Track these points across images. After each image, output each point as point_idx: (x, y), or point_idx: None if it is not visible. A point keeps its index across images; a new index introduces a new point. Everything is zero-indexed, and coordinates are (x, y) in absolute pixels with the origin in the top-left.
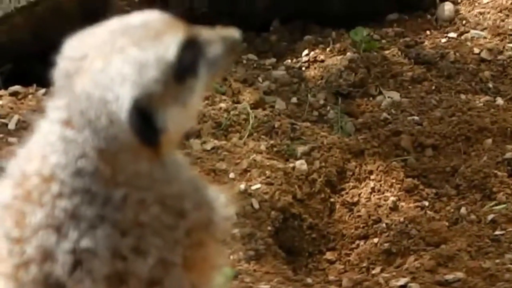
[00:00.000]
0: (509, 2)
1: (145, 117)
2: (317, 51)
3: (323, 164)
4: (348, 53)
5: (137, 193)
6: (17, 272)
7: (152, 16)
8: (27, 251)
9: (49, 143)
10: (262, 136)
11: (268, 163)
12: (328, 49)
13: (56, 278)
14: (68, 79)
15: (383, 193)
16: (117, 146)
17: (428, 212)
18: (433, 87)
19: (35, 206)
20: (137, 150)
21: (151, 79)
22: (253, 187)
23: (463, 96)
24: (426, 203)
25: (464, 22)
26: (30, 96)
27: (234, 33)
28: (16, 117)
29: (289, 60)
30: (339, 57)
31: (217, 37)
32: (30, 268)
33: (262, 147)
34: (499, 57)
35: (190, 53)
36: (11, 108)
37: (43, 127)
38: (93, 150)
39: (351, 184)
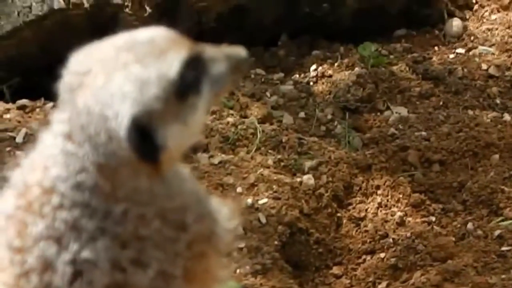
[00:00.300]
0: None
1: (144, 134)
2: (325, 66)
3: (330, 179)
4: (356, 68)
5: (137, 208)
6: (18, 282)
7: (157, 33)
8: (28, 261)
9: (51, 155)
10: (270, 151)
11: (275, 178)
12: (336, 64)
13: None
14: (71, 93)
15: (390, 208)
16: (116, 162)
17: (435, 227)
18: (441, 103)
19: (36, 217)
20: (136, 166)
21: (151, 97)
22: (260, 202)
23: (470, 112)
24: (433, 219)
25: (472, 38)
26: (38, 110)
27: (240, 51)
28: (23, 130)
29: (297, 75)
30: (347, 72)
31: (222, 55)
32: (31, 278)
33: (270, 162)
34: (507, 73)
35: (193, 70)
36: (19, 122)
37: (46, 139)
38: (93, 164)
39: (358, 199)
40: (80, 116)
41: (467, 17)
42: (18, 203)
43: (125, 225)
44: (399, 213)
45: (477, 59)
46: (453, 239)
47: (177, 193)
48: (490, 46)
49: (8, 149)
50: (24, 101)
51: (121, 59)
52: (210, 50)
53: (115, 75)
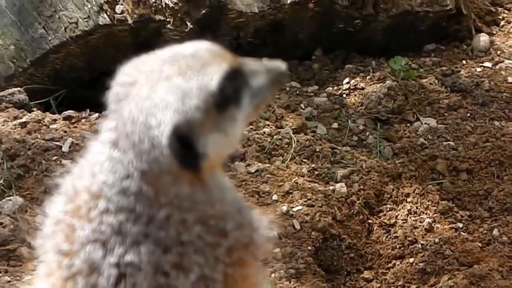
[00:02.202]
0: None
1: (185, 143)
2: (357, 79)
3: (362, 187)
4: (387, 81)
5: (179, 214)
6: (65, 285)
7: (200, 46)
8: (75, 264)
9: (98, 162)
10: (304, 160)
11: (309, 186)
12: (368, 77)
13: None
14: (118, 103)
15: (419, 215)
16: (159, 168)
17: (462, 233)
18: (468, 114)
19: (83, 221)
20: (178, 173)
21: (192, 107)
22: (295, 209)
23: (496, 123)
24: (460, 225)
25: (498, 52)
26: (83, 120)
27: (279, 65)
28: (69, 140)
29: (331, 88)
30: (378, 85)
31: (263, 68)
32: (78, 281)
33: (304, 170)
34: None
35: (234, 83)
36: (65, 132)
37: (94, 146)
38: (137, 171)
39: (389, 206)
40: (125, 124)
41: (494, 32)
42: (66, 208)
43: (167, 230)
44: (427, 220)
45: (503, 73)
46: (480, 244)
47: (218, 201)
48: None
49: (54, 158)
50: (70, 112)
51: (165, 72)
52: (250, 64)
53: (159, 86)
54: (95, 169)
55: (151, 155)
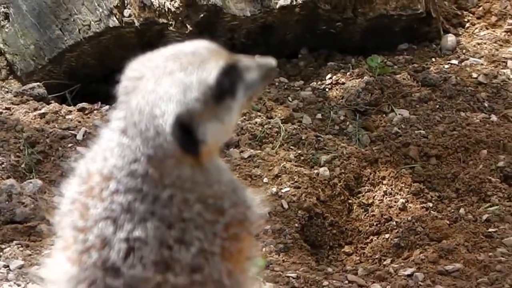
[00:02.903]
0: (503, 34)
1: (187, 131)
2: (338, 75)
3: (342, 170)
4: (365, 77)
5: (181, 194)
6: (81, 258)
7: (200, 45)
8: (89, 239)
9: (109, 147)
10: (291, 147)
11: (296, 170)
12: (348, 73)
13: (112, 263)
14: (127, 95)
15: (393, 195)
16: (163, 153)
17: (432, 212)
18: (437, 106)
19: (96, 200)
20: (180, 157)
21: (193, 99)
22: (283, 190)
23: (462, 114)
24: (430, 205)
25: (464, 51)
26: (95, 112)
27: (270, 61)
28: (83, 129)
29: (315, 83)
30: (357, 80)
31: (255, 64)
32: (91, 254)
33: (291, 156)
34: (494, 80)
35: (230, 77)
36: (79, 122)
37: (105, 134)
38: (143, 156)
39: (367, 188)
40: (133, 114)
41: (460, 33)
42: (81, 189)
43: (171, 209)
44: (401, 200)
45: (468, 69)
46: (448, 222)
47: (216, 182)
48: (479, 58)
49: (70, 145)
50: (83, 104)
51: (168, 67)
52: (244, 60)
53: (163, 80)
54: (106, 154)
55: (156, 141)
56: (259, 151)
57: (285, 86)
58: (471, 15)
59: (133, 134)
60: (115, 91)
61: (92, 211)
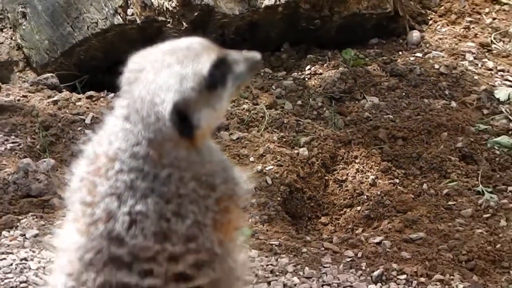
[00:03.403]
0: (461, 30)
1: (183, 117)
2: (316, 66)
3: (320, 151)
4: (340, 68)
5: (178, 173)
6: (88, 229)
7: (194, 41)
8: (96, 213)
9: (114, 132)
10: (275, 130)
11: (278, 150)
12: (325, 65)
13: (117, 234)
14: (129, 85)
15: (365, 173)
16: (162, 137)
17: (398, 187)
18: (404, 94)
19: (103, 179)
20: (177, 140)
21: (188, 88)
22: (267, 168)
23: (426, 100)
24: (397, 181)
25: (427, 45)
26: (101, 99)
27: (256, 55)
28: (91, 114)
29: (296, 73)
30: (333, 71)
31: (242, 57)
32: (98, 226)
33: (275, 138)
34: (454, 71)
35: (221, 69)
36: (87, 108)
37: (110, 120)
38: (144, 139)
39: (341, 166)
40: (136, 102)
41: (424, 29)
42: (89, 169)
43: (169, 186)
44: (371, 177)
45: (431, 61)
46: (412, 196)
47: (208, 161)
48: (441, 51)
49: (79, 128)
50: (91, 92)
51: (166, 61)
52: (233, 54)
53: (162, 72)
54: (111, 138)
55: (156, 126)
56: (246, 134)
57: (270, 76)
58: (433, 13)
59: (135, 120)
60: (119, 81)
61: (99, 188)
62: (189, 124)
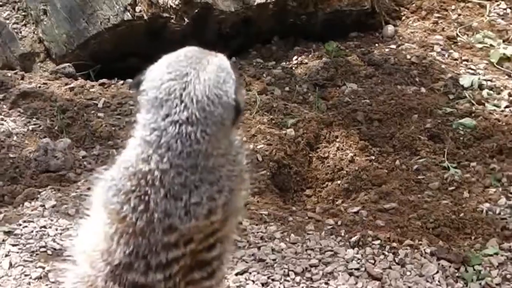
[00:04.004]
0: (430, 25)
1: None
2: (303, 56)
3: (305, 131)
4: (324, 58)
5: (220, 159)
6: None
7: (192, 48)
8: (155, 216)
9: (160, 141)
10: (265, 113)
11: (268, 131)
12: (310, 55)
13: (170, 224)
14: (177, 91)
15: (344, 150)
16: (220, 128)
17: (374, 163)
18: (379, 81)
19: (158, 185)
20: (228, 129)
21: (235, 80)
22: (258, 147)
23: (399, 87)
24: (373, 157)
25: (400, 38)
26: (112, 86)
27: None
28: (103, 99)
29: (284, 63)
30: (317, 61)
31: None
32: (155, 225)
33: (265, 120)
34: (423, 61)
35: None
36: (100, 93)
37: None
38: (203, 136)
39: (324, 144)
40: (198, 102)
41: (397, 24)
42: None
43: (214, 172)
44: (350, 154)
45: (404, 52)
46: (386, 171)
47: (234, 146)
48: (412, 43)
49: (92, 112)
50: (103, 80)
51: (204, 61)
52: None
53: (209, 71)
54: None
55: (217, 118)
56: None
57: (261, 66)
58: (406, 10)
59: (195, 119)
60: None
61: (153, 196)
62: (237, 110)
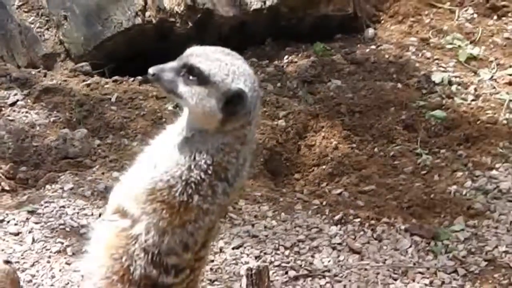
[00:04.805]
0: (406, 28)
1: None
2: (293, 56)
3: (294, 122)
4: (311, 57)
5: (244, 147)
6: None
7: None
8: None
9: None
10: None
11: (262, 122)
12: (299, 55)
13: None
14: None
15: (329, 139)
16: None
17: (356, 150)
18: (361, 77)
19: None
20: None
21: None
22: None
23: (378, 83)
24: (355, 145)
25: (380, 39)
26: (124, 82)
27: None
28: (116, 94)
29: (276, 62)
30: (306, 60)
31: None
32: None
33: (259, 112)
34: (400, 60)
35: None
36: (113, 89)
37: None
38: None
39: (311, 134)
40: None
41: (377, 28)
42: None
43: (233, 154)
44: (334, 142)
45: (382, 52)
46: (366, 157)
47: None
48: (390, 44)
49: (106, 105)
50: (116, 77)
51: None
52: None
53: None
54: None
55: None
56: None
57: (256, 64)
58: (384, 15)
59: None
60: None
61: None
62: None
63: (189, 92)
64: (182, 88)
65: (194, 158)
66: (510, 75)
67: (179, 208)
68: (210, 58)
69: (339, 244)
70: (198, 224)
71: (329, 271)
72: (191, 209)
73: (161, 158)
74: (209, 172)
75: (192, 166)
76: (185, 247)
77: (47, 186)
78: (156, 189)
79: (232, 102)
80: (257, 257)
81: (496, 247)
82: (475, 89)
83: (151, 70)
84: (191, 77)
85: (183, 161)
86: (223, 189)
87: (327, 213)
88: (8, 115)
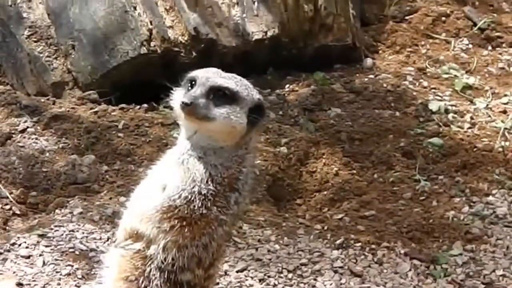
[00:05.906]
0: (404, 58)
1: None
2: (294, 85)
3: (296, 149)
4: (312, 86)
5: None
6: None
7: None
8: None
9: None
10: (262, 133)
11: (265, 148)
12: (300, 83)
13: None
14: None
15: (330, 166)
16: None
17: (356, 176)
18: (360, 106)
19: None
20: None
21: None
22: (256, 162)
23: (376, 111)
24: (355, 171)
25: (378, 69)
26: (130, 110)
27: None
28: (122, 121)
29: (278, 90)
30: (306, 89)
31: None
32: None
33: (261, 139)
34: (397, 89)
35: None
36: (120, 116)
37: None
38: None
39: (312, 160)
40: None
41: (375, 58)
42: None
43: (243, 164)
44: (335, 169)
45: (381, 81)
46: (366, 183)
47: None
48: (388, 74)
49: (113, 132)
50: (122, 105)
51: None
52: None
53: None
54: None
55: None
56: None
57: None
58: (382, 45)
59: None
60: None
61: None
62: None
63: (222, 112)
64: (214, 110)
65: (210, 173)
66: (505, 103)
67: (198, 222)
68: (227, 77)
69: (341, 267)
70: (213, 235)
71: None
72: (209, 221)
73: (172, 178)
74: (224, 183)
75: (209, 181)
76: (198, 261)
77: (57, 211)
78: (174, 206)
79: (255, 113)
80: (261, 280)
81: (494, 271)
82: (471, 117)
83: (186, 99)
84: (220, 98)
85: (199, 177)
86: (235, 199)
87: (328, 237)
88: (19, 142)
